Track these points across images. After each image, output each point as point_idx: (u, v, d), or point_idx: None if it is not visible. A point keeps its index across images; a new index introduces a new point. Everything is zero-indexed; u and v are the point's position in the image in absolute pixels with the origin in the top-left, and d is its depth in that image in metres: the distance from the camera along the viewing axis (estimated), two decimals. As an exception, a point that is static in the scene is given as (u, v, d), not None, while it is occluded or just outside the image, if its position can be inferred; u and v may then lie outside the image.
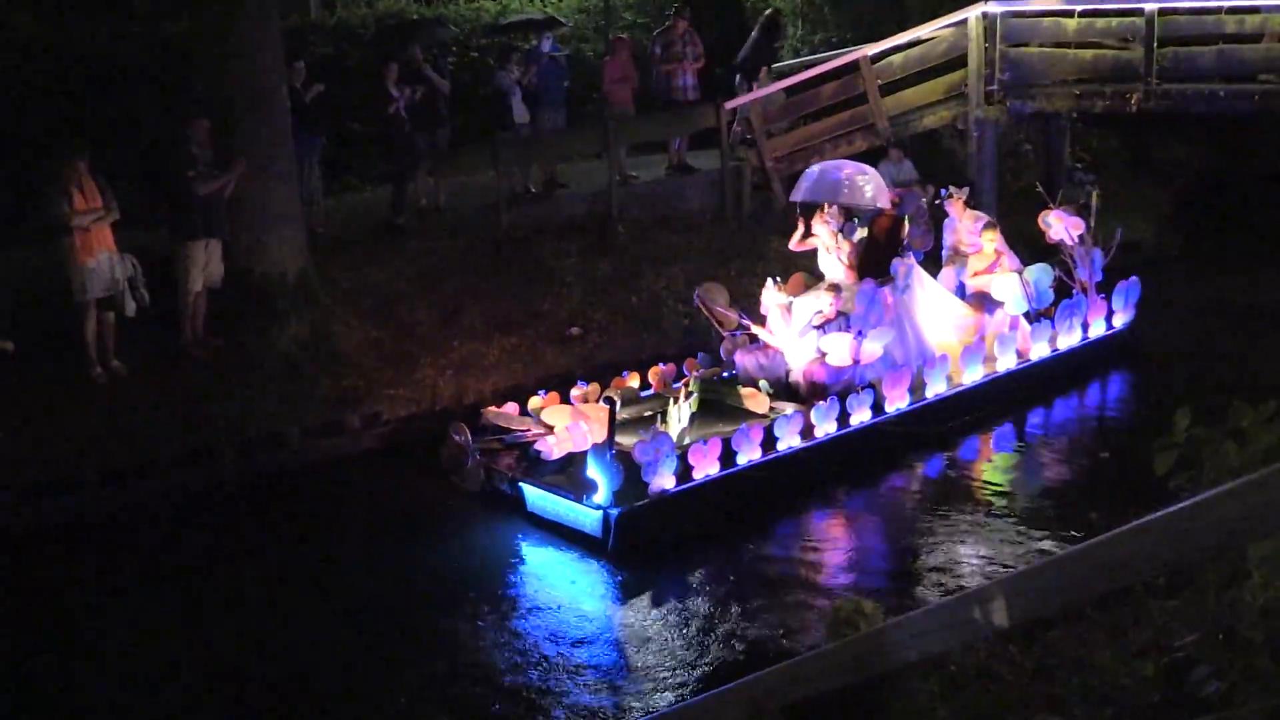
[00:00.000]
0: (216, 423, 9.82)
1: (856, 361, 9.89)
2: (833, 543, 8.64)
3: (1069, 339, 11.38)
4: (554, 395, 9.74)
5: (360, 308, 11.65)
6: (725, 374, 10.43)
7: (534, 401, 9.61)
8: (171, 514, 9.03)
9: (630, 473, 8.29)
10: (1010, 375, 10.81)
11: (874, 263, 10.69)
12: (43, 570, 8.26)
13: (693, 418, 9.45)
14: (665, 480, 8.38)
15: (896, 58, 14.82)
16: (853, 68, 14.67)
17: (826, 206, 10.68)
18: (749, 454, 8.84)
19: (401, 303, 11.87)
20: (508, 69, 14.28)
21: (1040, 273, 11.37)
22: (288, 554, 8.49)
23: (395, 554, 8.47)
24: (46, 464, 9.09)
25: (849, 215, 11.00)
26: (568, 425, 8.99)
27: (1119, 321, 11.94)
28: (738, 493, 8.82)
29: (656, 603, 7.66)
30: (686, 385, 9.74)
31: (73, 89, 14.17)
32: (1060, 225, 11.55)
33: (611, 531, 8.13)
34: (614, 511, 8.14)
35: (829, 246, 10.73)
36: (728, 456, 8.78)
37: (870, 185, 10.63)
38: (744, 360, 10.29)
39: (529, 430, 9.19)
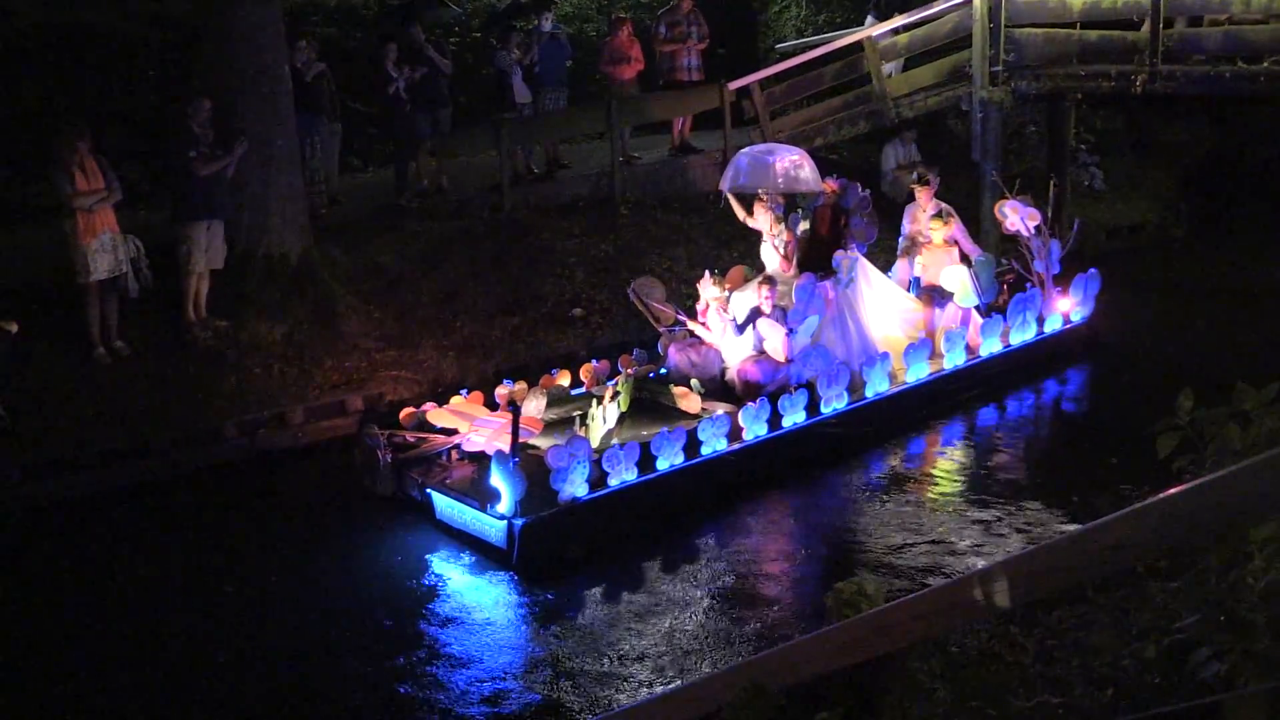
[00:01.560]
0: (219, 403, 9.84)
1: (791, 359, 9.48)
2: (754, 553, 8.05)
3: (1022, 334, 10.96)
4: (477, 395, 9.34)
5: (362, 289, 11.64)
6: (662, 371, 10.06)
7: (455, 400, 9.21)
8: (169, 494, 9.04)
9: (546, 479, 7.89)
10: (958, 373, 10.39)
11: (816, 255, 10.27)
12: (43, 549, 8.29)
13: (622, 418, 9.11)
14: (577, 487, 7.94)
15: (901, 37, 14.76)
16: (857, 48, 14.62)
17: (763, 194, 10.17)
18: (670, 459, 8.42)
19: (404, 284, 11.87)
20: (508, 49, 14.23)
21: (986, 265, 10.93)
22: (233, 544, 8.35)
23: (330, 549, 8.24)
24: (49, 444, 9.11)
25: (793, 205, 10.70)
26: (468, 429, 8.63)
27: (1077, 315, 11.49)
28: (658, 500, 8.39)
29: (554, 617, 7.22)
30: (616, 384, 9.34)
31: (74, 68, 14.13)
32: (1016, 216, 11.15)
33: (515, 542, 7.72)
34: (518, 522, 7.71)
35: (769, 234, 10.23)
36: (650, 461, 8.38)
37: (805, 169, 10.19)
38: (677, 357, 9.85)
39: (432, 441, 8.74)
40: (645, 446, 8.33)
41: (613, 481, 8.20)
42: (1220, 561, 3.03)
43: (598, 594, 7.54)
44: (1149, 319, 12.80)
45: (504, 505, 7.76)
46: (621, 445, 8.27)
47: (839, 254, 10.15)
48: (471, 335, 11.34)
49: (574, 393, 9.76)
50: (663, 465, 8.41)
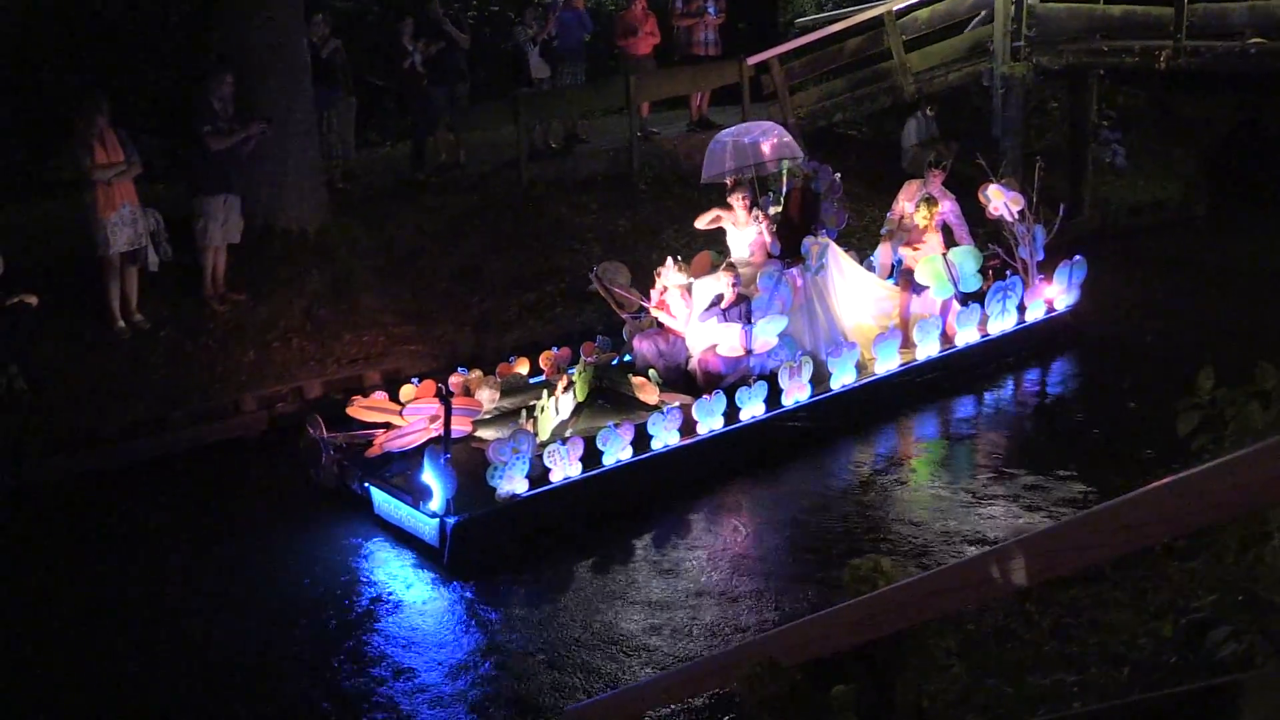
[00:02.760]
0: (238, 377, 9.89)
1: (749, 351, 9.11)
2: (703, 553, 7.66)
3: (1001, 324, 10.55)
4: (429, 384, 9.04)
5: (379, 264, 11.66)
6: (627, 358, 9.75)
7: (406, 390, 8.91)
8: (188, 467, 9.10)
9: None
10: (931, 364, 10.01)
11: (787, 241, 9.96)
12: (63, 522, 8.36)
13: (580, 408, 8.85)
14: (516, 484, 7.62)
15: (922, 12, 14.64)
16: (877, 23, 14.51)
17: (732, 181, 9.88)
18: (617, 454, 8.07)
19: (421, 259, 11.88)
20: (525, 23, 14.18)
21: (965, 255, 10.34)
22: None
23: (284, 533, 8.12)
24: (69, 417, 9.17)
25: (763, 189, 10.46)
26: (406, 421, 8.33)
27: (1061, 304, 11.08)
28: (604, 497, 8.03)
29: (492, 618, 6.95)
30: (570, 373, 9.05)
31: (94, 42, 14.16)
32: (1000, 200, 10.74)
33: (447, 541, 7.42)
34: (450, 520, 7.41)
35: (742, 221, 9.82)
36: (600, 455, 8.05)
37: (789, 140, 10.01)
38: (641, 346, 9.49)
39: (373, 432, 8.43)
40: (591, 441, 8.00)
41: (555, 478, 7.82)
42: (1239, 541, 3.02)
43: (536, 593, 7.22)
44: (1167, 297, 12.70)
45: (435, 502, 7.47)
46: (565, 441, 7.92)
47: (808, 240, 9.84)
48: (488, 310, 11.35)
49: (533, 381, 9.48)
50: (608, 461, 8.04)
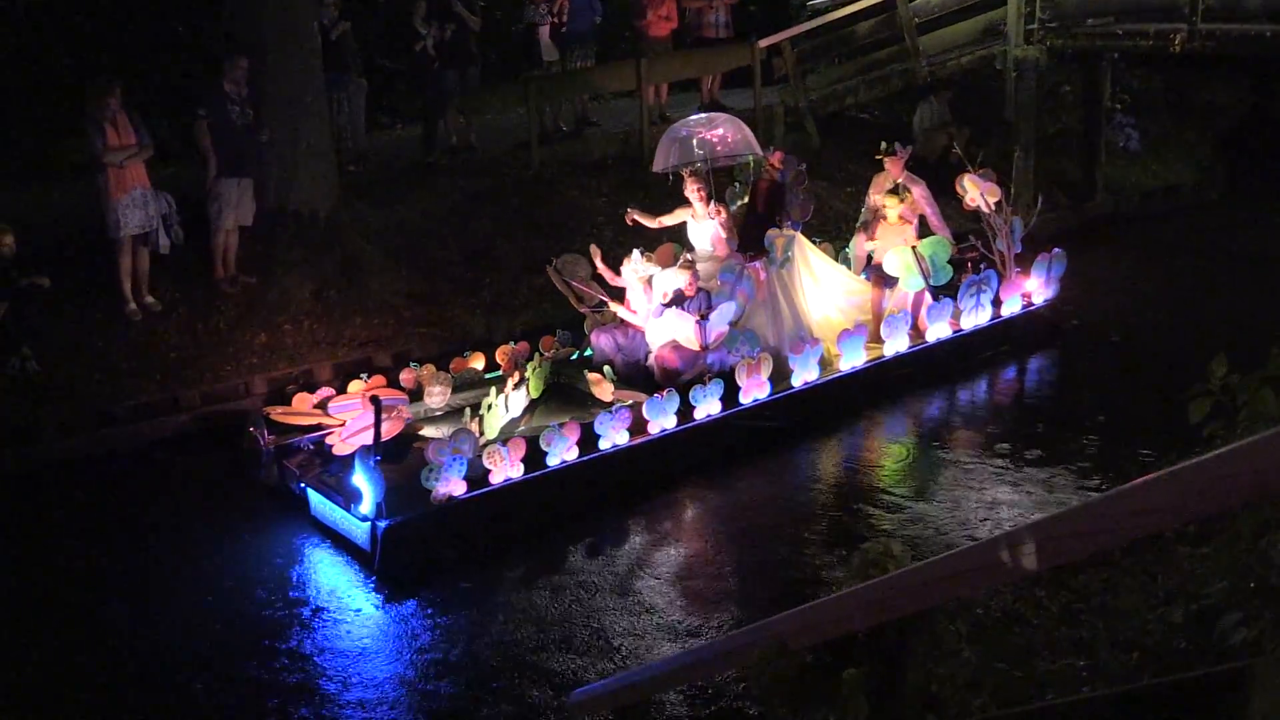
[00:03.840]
0: (249, 359, 9.92)
1: (705, 346, 8.85)
2: (649, 558, 7.41)
3: (975, 318, 10.22)
4: (378, 378, 8.87)
5: (390, 246, 11.66)
6: (588, 353, 9.50)
7: (354, 385, 8.71)
8: (197, 448, 9.10)
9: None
10: (899, 359, 9.72)
11: (752, 233, 9.73)
12: (74, 502, 8.41)
13: (534, 405, 8.59)
14: (453, 486, 7.38)
15: (934, -5, 14.57)
16: (889, 6, 14.43)
17: (688, 173, 9.64)
18: (562, 455, 7.82)
19: (431, 241, 11.88)
20: (535, 5, 14.14)
21: (936, 246, 9.97)
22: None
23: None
24: (81, 398, 9.22)
25: (730, 180, 10.26)
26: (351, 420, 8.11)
27: (1039, 298, 10.74)
28: (548, 500, 7.80)
29: (414, 626, 6.75)
30: (524, 369, 8.77)
31: (105, 24, 14.15)
32: (976, 191, 10.39)
33: (377, 545, 7.20)
34: (381, 524, 7.19)
35: (701, 214, 9.63)
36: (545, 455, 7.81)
37: (743, 135, 9.70)
38: (599, 340, 9.30)
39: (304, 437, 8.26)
40: (535, 441, 7.75)
41: (495, 479, 7.58)
42: (1250, 528, 3.02)
43: (469, 599, 7.01)
44: (1179, 282, 12.65)
45: (365, 506, 7.28)
46: (505, 442, 7.67)
47: (772, 232, 9.57)
48: (499, 293, 11.35)
49: (489, 376, 9.25)
50: (553, 462, 7.81)
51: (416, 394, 8.92)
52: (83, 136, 9.88)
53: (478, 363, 9.43)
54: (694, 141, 9.71)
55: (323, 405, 8.65)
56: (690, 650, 4.96)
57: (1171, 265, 13.34)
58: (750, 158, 10.17)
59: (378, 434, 7.41)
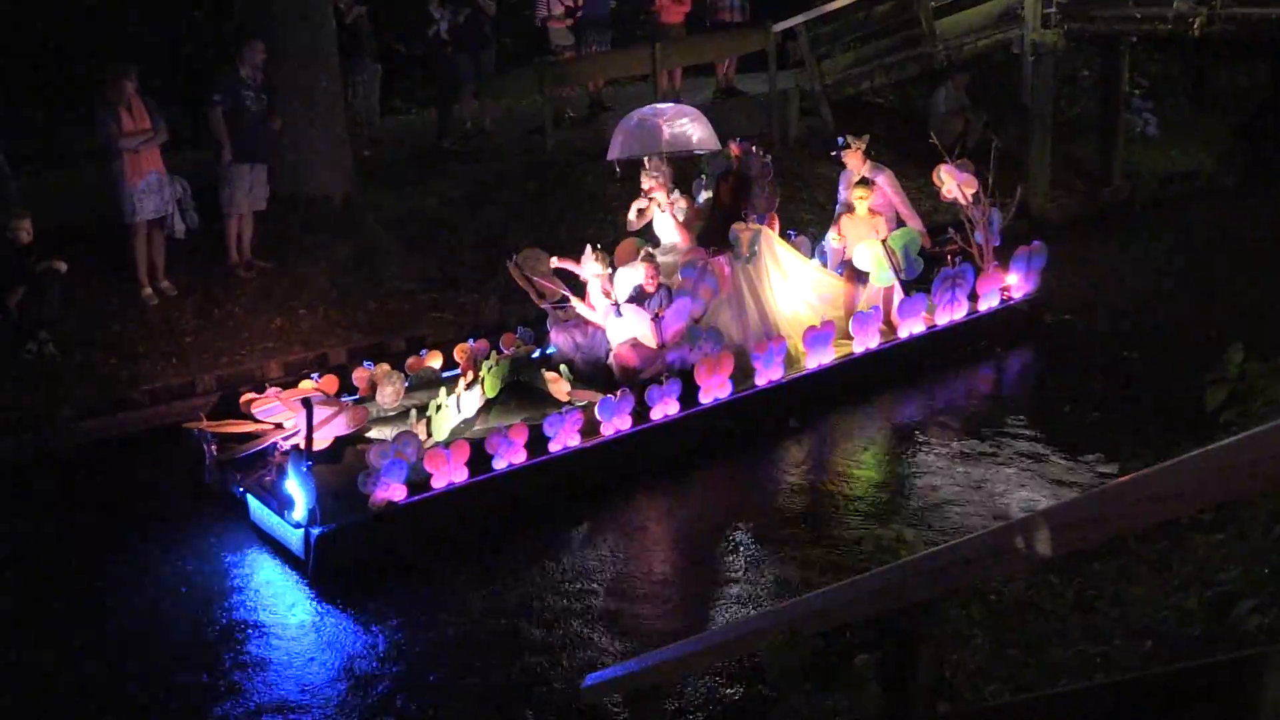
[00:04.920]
0: (264, 344, 9.95)
1: (663, 345, 8.59)
2: (597, 565, 7.13)
3: (950, 314, 9.90)
4: (330, 378, 8.61)
5: (404, 231, 11.68)
6: (549, 351, 9.25)
7: (304, 385, 8.34)
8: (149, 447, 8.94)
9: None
10: (870, 357, 9.42)
11: (719, 227, 9.45)
12: (92, 485, 8.45)
13: (490, 405, 8.29)
14: (393, 491, 7.11)
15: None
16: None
17: (648, 161, 9.42)
18: (509, 458, 7.55)
19: (445, 226, 11.89)
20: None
21: (906, 238, 9.70)
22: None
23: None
24: (97, 382, 9.26)
25: (698, 172, 10.02)
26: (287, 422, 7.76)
27: (1018, 292, 10.42)
28: (494, 504, 7.53)
29: (347, 637, 6.51)
30: (478, 368, 8.47)
31: (120, 10, 14.18)
32: (952, 182, 10.07)
33: (311, 553, 6.95)
34: (315, 530, 6.92)
35: (663, 205, 9.41)
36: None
37: (699, 128, 9.46)
38: (558, 338, 9.10)
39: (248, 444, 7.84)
40: (480, 444, 7.50)
41: (438, 483, 7.32)
42: (1265, 515, 3.01)
43: (406, 608, 6.77)
44: (1196, 268, 12.58)
45: (298, 512, 7.04)
46: (448, 444, 7.44)
47: (737, 227, 9.29)
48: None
49: (446, 375, 8.96)
50: (499, 465, 7.54)
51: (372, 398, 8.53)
52: (98, 121, 9.88)
53: (435, 361, 9.15)
54: (651, 131, 9.42)
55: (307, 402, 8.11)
56: (704, 635, 4.97)
57: (1188, 251, 13.25)
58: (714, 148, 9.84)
59: (309, 438, 7.07)
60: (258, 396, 7.86)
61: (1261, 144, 16.26)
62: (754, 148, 9.80)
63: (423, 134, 14.15)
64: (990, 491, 7.80)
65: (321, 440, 7.76)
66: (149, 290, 10.18)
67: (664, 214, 9.45)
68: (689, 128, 9.46)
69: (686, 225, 9.48)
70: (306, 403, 7.16)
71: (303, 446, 7.13)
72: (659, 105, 10.17)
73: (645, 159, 9.46)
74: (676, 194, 9.52)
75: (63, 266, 9.36)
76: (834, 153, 10.19)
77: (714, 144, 9.63)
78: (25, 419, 8.84)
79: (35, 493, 8.26)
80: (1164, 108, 16.69)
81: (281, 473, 7.31)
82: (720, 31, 14.87)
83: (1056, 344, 10.61)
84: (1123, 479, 2.34)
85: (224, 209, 10.57)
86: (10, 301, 9.13)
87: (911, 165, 12.71)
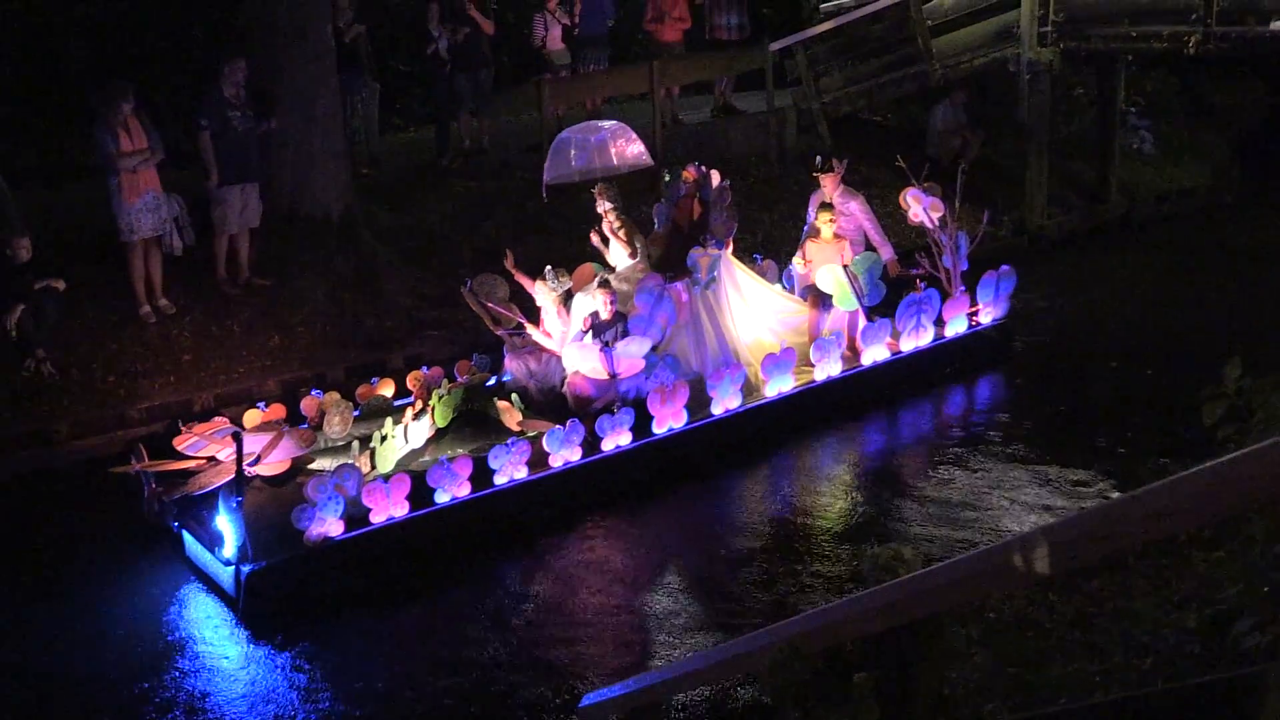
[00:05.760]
0: (262, 362, 9.94)
1: (613, 375, 8.43)
2: (542, 604, 6.94)
3: (915, 340, 9.74)
4: (277, 407, 8.45)
5: (404, 248, 11.68)
6: (505, 378, 9.04)
7: (251, 415, 8.24)
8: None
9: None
10: (831, 385, 9.18)
11: (678, 252, 9.24)
12: (89, 503, 8.42)
13: (441, 435, 8.11)
14: (329, 526, 6.89)
15: (947, -2, 14.56)
16: (903, 8, 14.41)
17: (598, 191, 9.31)
18: (451, 492, 7.35)
19: (445, 243, 11.90)
20: (547, 8, 14.19)
21: (868, 263, 9.55)
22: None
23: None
24: (95, 400, 9.25)
25: (658, 197, 9.85)
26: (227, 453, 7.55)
27: (986, 317, 10.23)
28: (436, 540, 7.31)
29: (281, 679, 6.31)
30: (426, 396, 8.26)
31: (119, 26, 14.21)
32: (918, 206, 9.96)
33: (241, 591, 6.74)
34: (245, 568, 6.72)
35: (614, 227, 9.26)
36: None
37: (635, 140, 9.34)
38: (512, 365, 8.91)
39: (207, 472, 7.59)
40: (419, 476, 7.29)
41: (377, 518, 7.12)
42: (1265, 532, 3.00)
43: (344, 647, 6.58)
44: (1192, 284, 12.60)
45: (228, 549, 6.84)
46: (388, 478, 7.22)
47: (695, 252, 9.11)
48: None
49: (398, 404, 8.75)
50: (442, 499, 7.35)
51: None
52: (96, 139, 9.87)
53: (387, 389, 8.96)
54: (586, 152, 9.31)
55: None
56: (703, 653, 4.95)
57: (1185, 267, 13.29)
58: (674, 169, 9.75)
59: (239, 473, 6.85)
60: (183, 435, 7.74)
61: (1257, 161, 16.33)
62: (711, 171, 9.62)
63: (421, 152, 14.18)
64: (982, 513, 7.75)
65: (277, 466, 7.72)
66: (147, 308, 10.18)
67: (613, 237, 9.34)
68: (632, 146, 9.40)
69: (646, 249, 9.35)
70: (236, 436, 6.97)
71: (239, 478, 6.89)
72: (591, 124, 10.05)
73: (597, 187, 9.34)
74: (617, 214, 9.34)
75: (61, 285, 9.37)
76: (814, 173, 10.12)
77: (648, 159, 9.60)
78: (22, 437, 8.83)
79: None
80: (1160, 125, 16.75)
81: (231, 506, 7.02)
82: (718, 50, 14.91)
83: (1052, 360, 10.62)
84: (1123, 496, 2.34)
85: (215, 228, 10.54)
86: (9, 320, 9.13)
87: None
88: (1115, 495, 7.56)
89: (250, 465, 7.47)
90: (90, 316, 10.03)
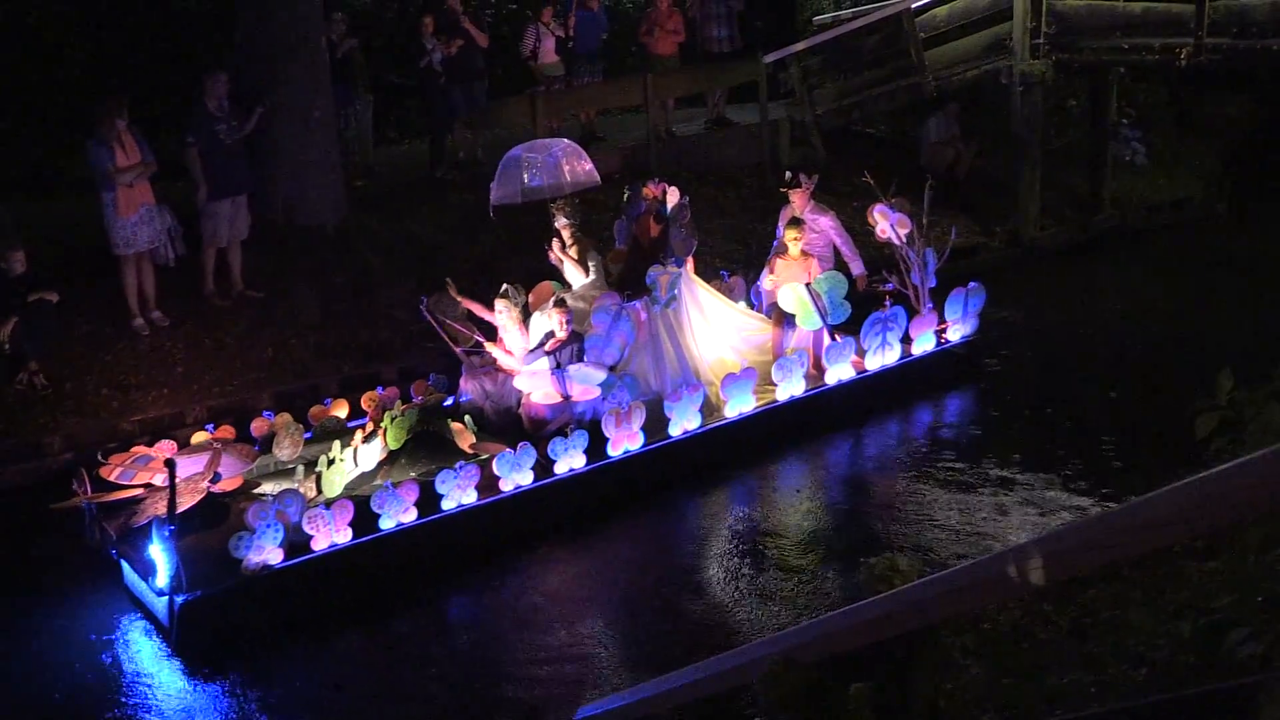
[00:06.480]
0: (255, 374, 9.93)
1: (566, 397, 8.31)
2: (489, 637, 6.74)
3: (880, 358, 9.58)
4: (227, 429, 8.31)
5: (398, 260, 11.68)
6: (464, 398, 8.82)
7: (199, 437, 8.10)
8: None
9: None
10: (794, 405, 9.00)
11: (640, 269, 9.11)
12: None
13: (395, 457, 7.92)
14: (268, 554, 6.70)
15: (940, 10, 14.59)
16: (896, 20, 14.46)
17: (554, 208, 9.25)
18: (397, 517, 7.16)
19: (439, 255, 11.89)
20: (541, 20, 14.23)
21: (831, 282, 9.34)
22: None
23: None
24: (89, 413, 9.23)
25: (619, 213, 9.81)
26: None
27: (954, 335, 10.06)
28: (380, 567, 7.13)
29: (218, 710, 6.16)
30: (380, 418, 8.10)
31: (112, 40, 14.22)
32: (885, 223, 9.84)
33: (175, 621, 6.54)
34: (179, 598, 6.51)
35: (566, 245, 9.23)
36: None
37: (585, 159, 9.26)
38: (468, 385, 8.73)
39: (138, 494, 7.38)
40: (362, 502, 7.09)
41: (318, 545, 6.90)
42: (1258, 542, 3.01)
43: (284, 678, 6.41)
44: (1184, 296, 12.64)
45: (160, 579, 6.62)
46: (328, 505, 7.01)
47: (654, 270, 8.94)
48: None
49: (352, 425, 8.58)
50: (387, 525, 7.13)
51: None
52: (91, 153, 9.86)
53: (340, 410, 8.79)
54: (537, 172, 9.23)
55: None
56: (698, 665, 4.94)
57: (1177, 278, 13.33)
58: (639, 186, 9.66)
59: (172, 501, 6.65)
60: (108, 466, 7.50)
61: (1249, 172, 16.39)
62: (670, 189, 9.54)
63: (416, 164, 14.19)
64: (950, 533, 7.66)
65: (232, 483, 7.59)
66: (140, 320, 10.16)
67: (565, 257, 9.31)
68: (583, 164, 9.32)
69: (603, 267, 9.30)
70: (169, 463, 6.74)
71: (174, 508, 6.72)
72: (540, 141, 9.92)
73: (553, 204, 9.27)
74: (574, 231, 9.30)
75: (54, 297, 9.35)
76: (782, 188, 9.98)
77: (597, 178, 9.52)
78: (14, 450, 8.80)
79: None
80: (1152, 137, 16.82)
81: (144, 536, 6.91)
82: (709, 62, 14.96)
83: (1046, 372, 10.64)
84: (1118, 506, 2.35)
85: (204, 242, 10.52)
86: (1, 332, 9.11)
87: (905, 194, 12.73)
88: (1093, 509, 7.57)
89: (212, 484, 7.34)
90: (83, 329, 10.01)
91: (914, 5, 14.35)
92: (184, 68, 14.08)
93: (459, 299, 8.99)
